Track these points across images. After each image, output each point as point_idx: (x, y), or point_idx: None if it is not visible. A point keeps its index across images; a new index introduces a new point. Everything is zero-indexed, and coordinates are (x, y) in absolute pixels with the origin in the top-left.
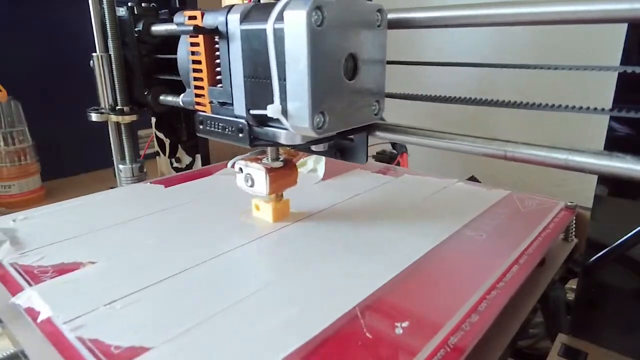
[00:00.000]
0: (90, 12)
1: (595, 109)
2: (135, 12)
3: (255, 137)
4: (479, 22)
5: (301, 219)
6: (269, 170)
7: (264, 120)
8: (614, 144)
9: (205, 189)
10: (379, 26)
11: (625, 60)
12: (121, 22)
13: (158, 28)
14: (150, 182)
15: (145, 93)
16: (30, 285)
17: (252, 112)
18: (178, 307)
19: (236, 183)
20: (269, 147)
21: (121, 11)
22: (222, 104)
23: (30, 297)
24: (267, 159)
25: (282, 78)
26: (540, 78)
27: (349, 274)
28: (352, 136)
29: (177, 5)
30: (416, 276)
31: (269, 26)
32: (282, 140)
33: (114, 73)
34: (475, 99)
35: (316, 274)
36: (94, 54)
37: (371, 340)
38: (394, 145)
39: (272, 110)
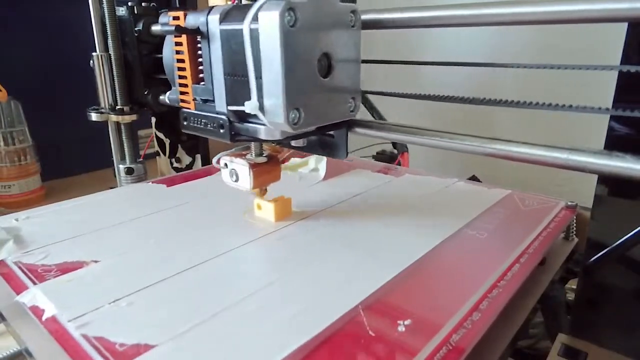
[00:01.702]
0: (90, 11)
1: (594, 108)
2: (135, 12)
3: (236, 132)
4: (476, 22)
5: (303, 218)
6: (253, 166)
7: (244, 117)
8: (614, 144)
9: (207, 188)
10: (353, 26)
11: (625, 60)
12: (121, 22)
13: (158, 28)
14: (151, 182)
15: (145, 93)
16: (34, 283)
17: (231, 108)
18: (181, 305)
19: (222, 178)
20: (252, 143)
21: (121, 11)
22: (205, 101)
23: (34, 295)
24: (251, 154)
25: (259, 76)
26: (540, 78)
27: (350, 273)
28: (332, 132)
29: (177, 5)
30: (417, 275)
31: (245, 26)
32: (262, 136)
33: (114, 73)
34: (475, 99)
35: (318, 273)
36: (94, 54)
37: (372, 340)
38: (394, 144)
39: (250, 107)
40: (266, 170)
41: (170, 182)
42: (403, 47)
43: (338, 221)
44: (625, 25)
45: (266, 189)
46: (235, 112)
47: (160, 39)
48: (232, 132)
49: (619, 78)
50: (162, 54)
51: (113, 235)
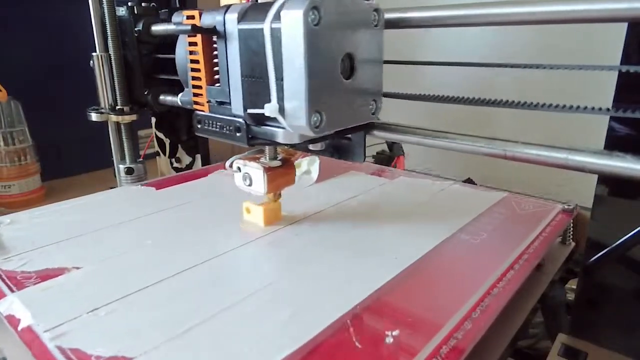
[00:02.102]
0: (90, 11)
1: (594, 108)
2: (135, 12)
3: (253, 136)
4: (476, 22)
5: (294, 222)
6: (267, 169)
7: (262, 120)
8: (614, 144)
9: (199, 191)
10: (376, 26)
11: (625, 60)
12: (121, 22)
13: (158, 28)
14: (145, 184)
15: (145, 93)
16: (12, 291)
17: (249, 111)
18: (164, 314)
19: (234, 182)
20: (266, 146)
21: (121, 11)
22: (220, 103)
23: (11, 303)
24: (265, 158)
25: (280, 77)
26: (540, 78)
27: (342, 277)
28: (349, 135)
29: (177, 5)
30: (413, 279)
31: (266, 26)
32: (280, 139)
33: (114, 73)
34: (475, 99)
35: (308, 277)
36: (94, 54)
37: (369, 342)
38: (390, 147)
39: (270, 110)
40: (280, 174)
41: (163, 184)
42: (403, 47)
43: (330, 225)
44: (625, 25)
45: (280, 194)
46: (252, 115)
47: (160, 39)
48: (250, 136)
49: (619, 78)
50: (162, 54)
51: (99, 239)
